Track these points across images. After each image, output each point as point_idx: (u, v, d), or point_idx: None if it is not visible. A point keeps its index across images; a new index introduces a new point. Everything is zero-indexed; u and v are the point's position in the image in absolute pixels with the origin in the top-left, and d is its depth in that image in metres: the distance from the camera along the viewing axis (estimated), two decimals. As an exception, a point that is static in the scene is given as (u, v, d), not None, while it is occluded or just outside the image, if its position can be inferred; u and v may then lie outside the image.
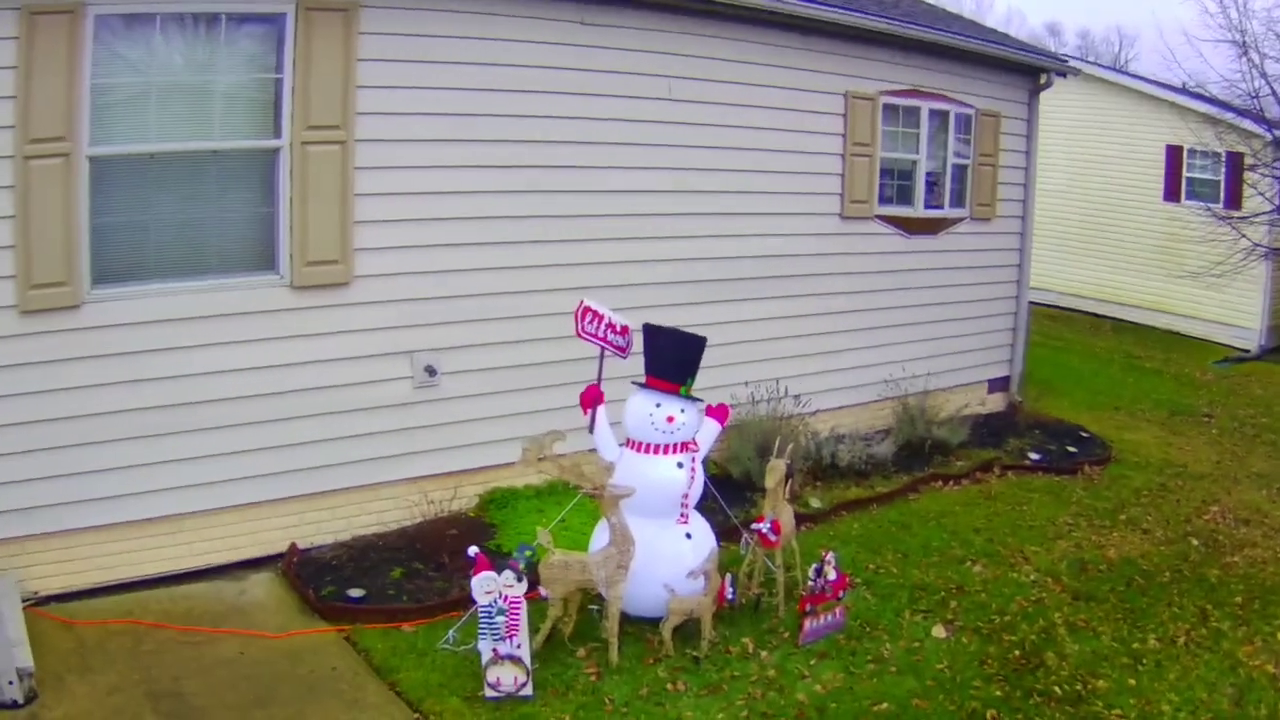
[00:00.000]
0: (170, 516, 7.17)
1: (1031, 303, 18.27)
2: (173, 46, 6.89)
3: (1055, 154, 17.78)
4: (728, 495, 7.59)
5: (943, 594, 7.53)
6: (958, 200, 11.29)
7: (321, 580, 7.19)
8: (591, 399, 6.83)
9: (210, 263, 7.17)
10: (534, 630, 6.34)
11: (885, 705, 6.07)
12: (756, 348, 9.62)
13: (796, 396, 9.40)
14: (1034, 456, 10.62)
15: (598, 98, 8.51)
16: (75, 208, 6.60)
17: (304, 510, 7.63)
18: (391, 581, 7.22)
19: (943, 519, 8.96)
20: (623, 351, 6.92)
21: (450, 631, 6.53)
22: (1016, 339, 12.13)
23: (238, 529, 7.40)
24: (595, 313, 6.84)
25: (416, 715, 5.88)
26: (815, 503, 8.94)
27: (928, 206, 10.96)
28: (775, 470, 7.03)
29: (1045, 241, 18.15)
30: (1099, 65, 18.65)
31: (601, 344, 6.87)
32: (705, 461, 7.16)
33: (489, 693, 5.98)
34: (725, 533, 7.51)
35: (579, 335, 6.85)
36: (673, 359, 6.78)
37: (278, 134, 7.20)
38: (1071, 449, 11.02)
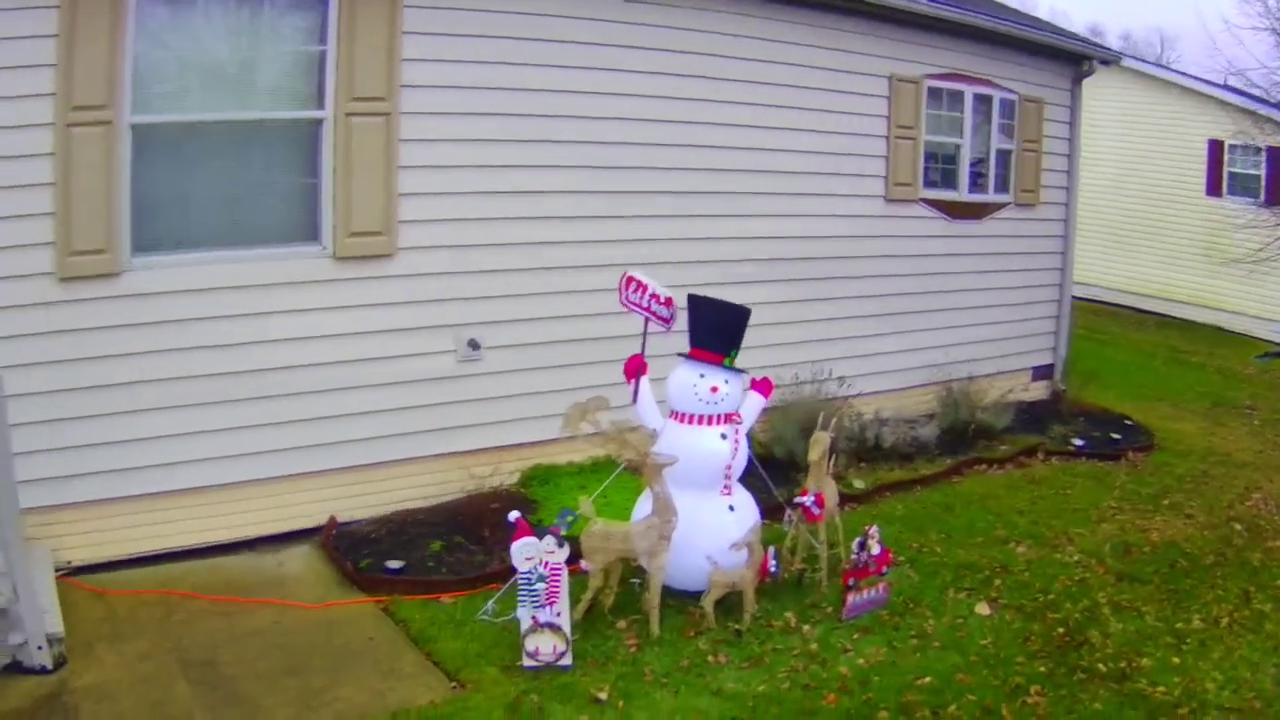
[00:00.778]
0: (207, 488, 6.83)
1: (1078, 298, 17.72)
2: (216, 16, 6.58)
3: (1103, 149, 17.24)
4: (771, 475, 7.18)
5: (986, 573, 7.11)
6: (1001, 186, 10.78)
7: (360, 553, 6.82)
8: (635, 368, 6.44)
9: (252, 233, 6.84)
10: (574, 601, 5.95)
11: (928, 679, 5.66)
12: (800, 329, 9.18)
13: (840, 379, 8.94)
14: (1078, 443, 10.12)
15: (643, 75, 8.12)
16: (116, 176, 6.29)
17: (343, 483, 7.26)
18: (431, 554, 6.83)
19: (986, 501, 8.51)
20: (667, 323, 6.52)
21: (489, 603, 6.14)
22: (1060, 327, 11.60)
23: (275, 501, 7.06)
24: (640, 283, 6.47)
25: (453, 684, 5.49)
26: (859, 483, 8.48)
27: (971, 191, 10.47)
28: (819, 443, 6.60)
29: (1092, 237, 17.59)
30: (1142, 60, 17.99)
31: (645, 314, 6.49)
32: (749, 436, 6.75)
33: (527, 662, 5.58)
34: (769, 511, 7.08)
35: (622, 304, 6.48)
36: (717, 330, 6.40)
37: (321, 105, 6.87)
38: (1115, 436, 10.51)
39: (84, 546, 6.50)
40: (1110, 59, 11.27)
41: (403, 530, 7.19)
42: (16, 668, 5.33)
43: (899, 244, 9.91)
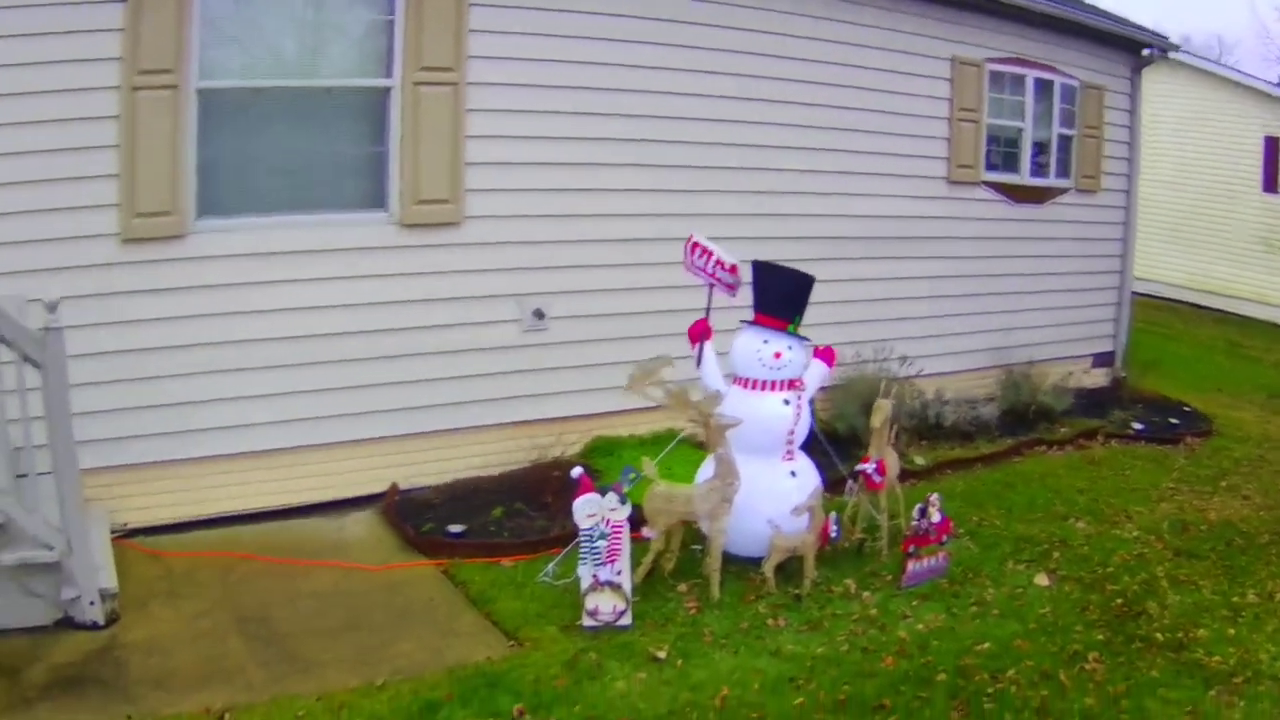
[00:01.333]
0: (267, 452, 6.64)
1: (1138, 294, 17.14)
2: (285, -17, 6.43)
3: (1161, 146, 16.67)
4: (834, 451, 6.87)
5: (1045, 546, 6.82)
6: (1063, 171, 10.36)
7: (421, 518, 6.61)
8: (699, 332, 6.17)
9: (317, 198, 6.66)
10: (635, 564, 5.70)
11: (987, 645, 5.42)
12: (863, 308, 8.87)
13: (903, 358, 8.59)
14: (1137, 426, 9.70)
15: (709, 51, 7.84)
16: (182, 140, 6.15)
17: (406, 450, 7.05)
18: (492, 520, 6.60)
19: (1046, 479, 8.19)
20: (731, 289, 6.25)
21: (550, 565, 5.91)
22: (1120, 314, 11.14)
23: (337, 467, 6.85)
24: (704, 248, 6.20)
25: (511, 643, 5.27)
26: (920, 460, 8.14)
27: (1033, 175, 10.06)
28: (880, 409, 6.30)
29: (1153, 233, 17.01)
30: (1200, 57, 17.35)
31: (709, 279, 6.21)
32: (812, 405, 6.45)
33: (587, 621, 5.33)
34: (831, 484, 6.76)
35: (686, 269, 6.22)
36: (782, 296, 6.15)
37: (389, 74, 6.68)
38: (1174, 421, 10.09)
39: (142, 509, 6.33)
40: (1168, 48, 10.79)
41: (464, 497, 6.96)
42: (69, 623, 5.18)
43: (961, 226, 9.54)
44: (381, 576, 6.00)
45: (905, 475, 7.79)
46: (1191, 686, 5.12)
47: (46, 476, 5.22)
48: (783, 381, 6.11)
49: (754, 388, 6.12)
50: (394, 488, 6.96)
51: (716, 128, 7.95)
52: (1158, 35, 10.66)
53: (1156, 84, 17.06)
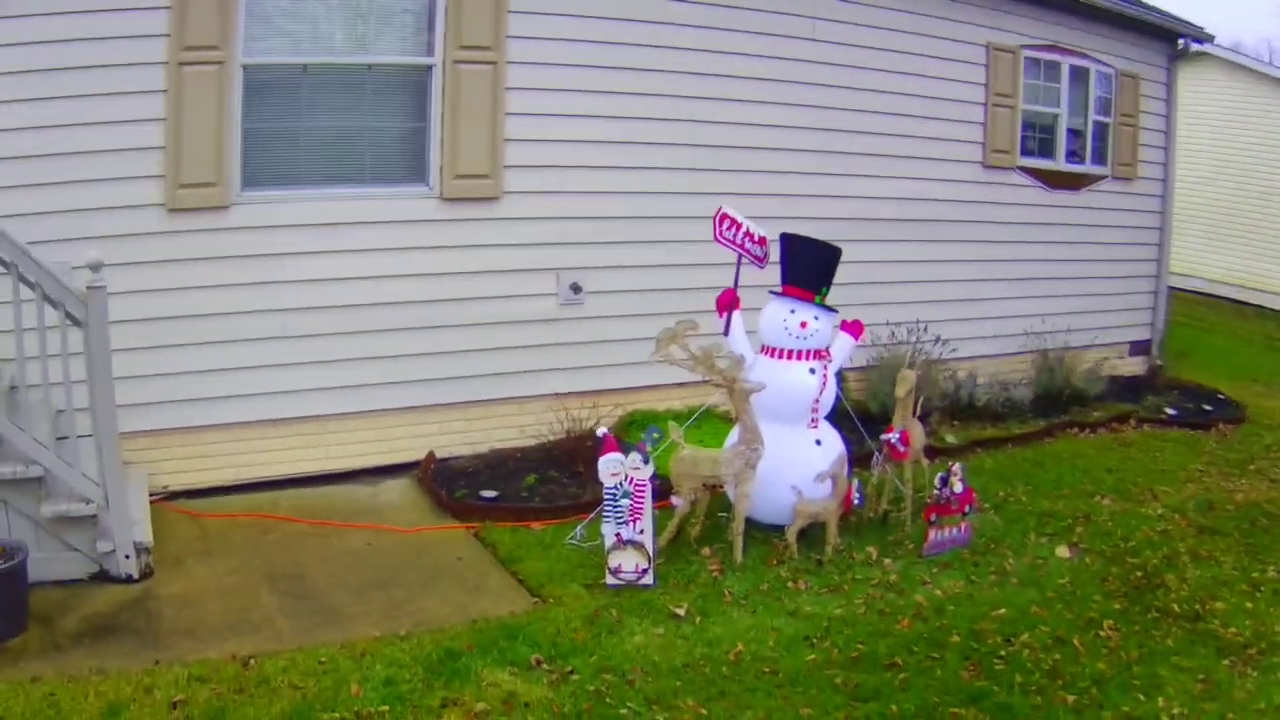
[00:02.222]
0: (308, 418, 6.56)
1: (1179, 289, 16.54)
2: (329, -39, 6.32)
3: (1200, 142, 16.06)
4: (866, 429, 6.64)
5: (1069, 521, 6.54)
6: (1099, 158, 9.94)
7: (455, 484, 6.48)
8: (728, 302, 5.95)
9: (359, 171, 6.56)
10: (661, 529, 5.53)
11: (1003, 611, 5.20)
12: (897, 289, 8.55)
13: (937, 338, 8.27)
14: (1170, 412, 9.29)
15: (742, 34, 7.60)
16: (227, 113, 6.09)
17: (443, 420, 6.92)
18: (525, 486, 6.45)
19: (1075, 460, 7.87)
20: (760, 261, 6.03)
21: (578, 527, 5.74)
22: (1158, 302, 10.68)
23: (375, 434, 6.75)
24: (733, 220, 5.99)
25: (535, 599, 5.12)
26: (951, 439, 7.82)
27: (1069, 161, 9.67)
28: (905, 379, 6.02)
29: (1193, 228, 16.40)
30: (1240, 54, 16.67)
31: (739, 250, 6.00)
32: (839, 377, 6.19)
33: (610, 580, 5.15)
34: (860, 459, 6.55)
35: (716, 240, 5.99)
36: (809, 268, 5.92)
37: (430, 53, 6.57)
38: (1207, 408, 9.65)
39: (183, 472, 6.28)
40: (1203, 38, 10.31)
41: (499, 465, 6.82)
42: (104, 576, 5.13)
43: (997, 210, 9.19)
44: (413, 538, 5.88)
45: (936, 452, 7.53)
46: (1205, 656, 4.93)
47: (87, 440, 5.15)
48: (809, 351, 5.87)
49: (781, 356, 5.89)
50: (431, 455, 6.82)
51: (752, 109, 7.71)
52: (1193, 26, 10.20)
53: (1194, 79, 16.42)
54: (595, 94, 7.07)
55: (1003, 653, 4.77)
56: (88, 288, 4.96)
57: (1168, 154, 10.49)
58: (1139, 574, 5.78)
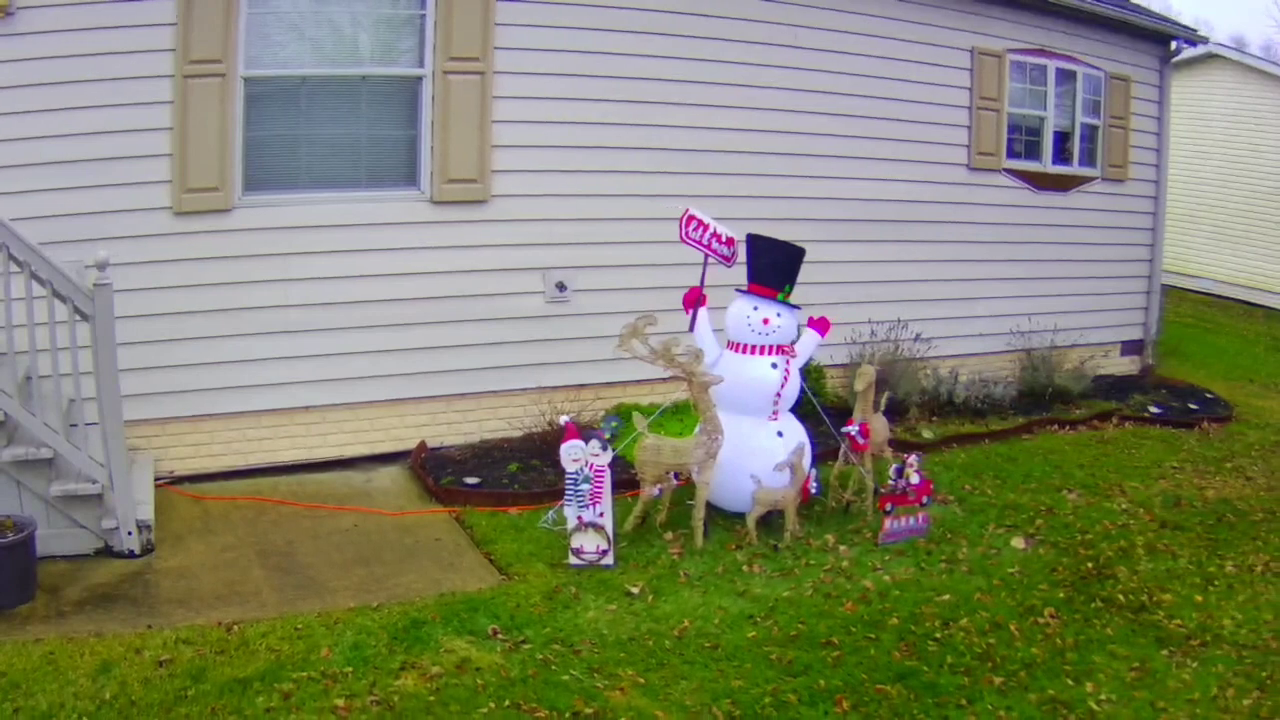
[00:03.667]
0: (306, 409, 7.01)
1: (1189, 290, 16.68)
2: (325, -22, 6.76)
3: (1212, 143, 16.13)
4: (842, 423, 6.89)
5: (1032, 514, 6.80)
6: (1088, 159, 10.18)
7: (443, 472, 6.89)
8: (693, 299, 6.33)
9: (354, 176, 7.01)
10: (628, 514, 5.93)
11: (947, 597, 5.51)
12: (881, 288, 8.87)
13: (917, 336, 8.56)
14: (1154, 410, 9.47)
15: (724, 42, 7.95)
16: (230, 122, 6.53)
17: (435, 411, 7.34)
18: (507, 474, 6.85)
19: (1050, 455, 8.10)
20: (727, 260, 6.39)
21: (550, 512, 6.12)
22: (1150, 303, 10.86)
23: (371, 425, 7.19)
24: (700, 221, 6.35)
25: (503, 577, 5.51)
26: (927, 434, 8.12)
27: (1056, 163, 9.92)
28: (863, 375, 6.36)
29: (1203, 230, 16.57)
30: (1249, 54, 16.67)
31: (705, 250, 6.36)
32: (804, 371, 6.52)
33: (573, 560, 5.54)
34: (831, 453, 6.91)
35: (682, 240, 6.37)
36: (773, 267, 6.27)
37: (421, 64, 7.00)
38: (1193, 406, 9.82)
39: (189, 458, 6.74)
40: (1196, 40, 10.52)
41: (487, 454, 7.23)
42: (108, 551, 5.58)
43: (983, 211, 9.47)
44: (398, 520, 6.30)
45: (912, 447, 7.79)
46: (1145, 645, 5.09)
47: (95, 427, 5.61)
48: (772, 346, 6.20)
49: (744, 351, 6.24)
50: (422, 445, 7.25)
51: (732, 114, 8.06)
52: (1185, 28, 10.38)
53: (1205, 80, 16.50)
54: (579, 101, 7.46)
55: (938, 636, 5.05)
56: (94, 285, 5.41)
57: (1161, 155, 10.68)
58: (1090, 565, 6.04)
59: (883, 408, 6.78)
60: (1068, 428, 8.87)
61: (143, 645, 4.55)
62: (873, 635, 5.02)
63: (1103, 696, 4.61)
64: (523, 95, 7.25)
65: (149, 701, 4.10)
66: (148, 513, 5.75)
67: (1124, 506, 7.05)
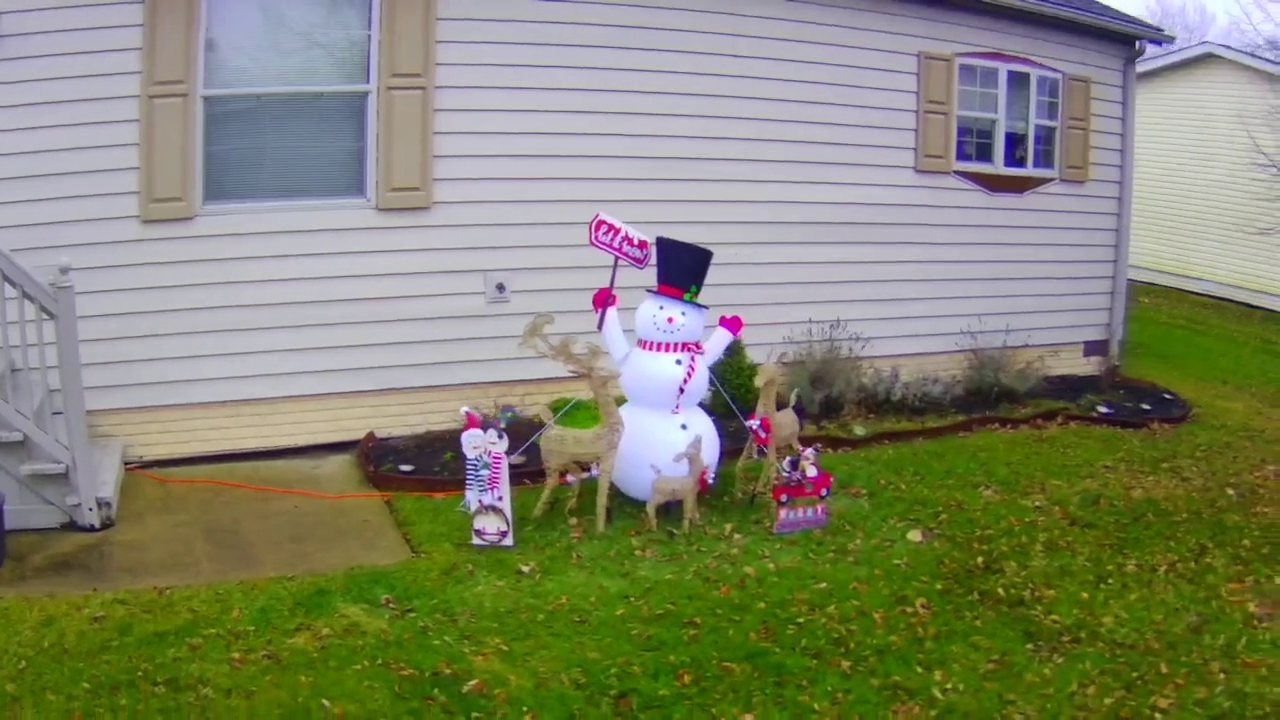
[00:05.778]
0: (265, 400, 7.91)
1: (1189, 292, 17.02)
2: (278, 4, 7.63)
3: (1218, 144, 16.43)
4: (741, 414, 7.56)
5: (939, 509, 7.27)
6: (1044, 161, 10.73)
7: (385, 460, 7.75)
8: (602, 300, 7.07)
9: (306, 186, 7.88)
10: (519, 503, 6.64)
11: (824, 585, 5.99)
12: (823, 289, 9.53)
13: (857, 337, 9.22)
14: (1103, 410, 9.95)
15: (661, 53, 8.69)
16: (191, 138, 7.44)
17: (384, 404, 8.22)
18: (441, 463, 7.68)
19: (980, 453, 8.58)
20: (639, 263, 7.11)
21: (466, 496, 6.86)
22: (1115, 303, 11.35)
23: (323, 416, 8.08)
24: (610, 226, 7.06)
25: (413, 554, 6.32)
26: (859, 430, 8.76)
27: (1010, 165, 10.48)
28: (763, 372, 7.07)
29: (1208, 231, 16.88)
30: (1256, 56, 16.89)
31: (616, 254, 7.08)
32: (716, 367, 7.24)
33: (475, 540, 6.32)
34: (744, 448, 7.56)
35: (592, 244, 7.08)
36: (680, 268, 6.96)
37: (367, 80, 7.84)
38: (1146, 407, 10.25)
39: (156, 444, 7.67)
40: (1161, 39, 10.96)
41: (429, 445, 8.07)
42: (72, 526, 6.50)
43: (932, 213, 10.06)
44: (336, 504, 7.16)
45: (841, 443, 8.48)
46: (1011, 639, 5.40)
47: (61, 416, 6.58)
48: (678, 344, 6.91)
49: (651, 349, 6.96)
50: (370, 435, 8.12)
51: (673, 122, 8.81)
52: (1150, 27, 10.81)
53: (1206, 81, 16.81)
54: (518, 113, 8.27)
55: (800, 620, 5.51)
56: (57, 286, 6.34)
57: (1125, 156, 11.17)
58: (980, 560, 6.39)
59: (792, 403, 7.47)
60: (1009, 427, 9.37)
61: (85, 604, 5.42)
62: (737, 618, 5.52)
63: (949, 686, 4.92)
64: (463, 108, 8.08)
65: (80, 650, 4.96)
66: (109, 491, 6.67)
67: (1038, 504, 7.44)
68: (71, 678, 4.70)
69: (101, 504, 6.55)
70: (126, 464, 7.48)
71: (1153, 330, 14.42)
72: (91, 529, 6.48)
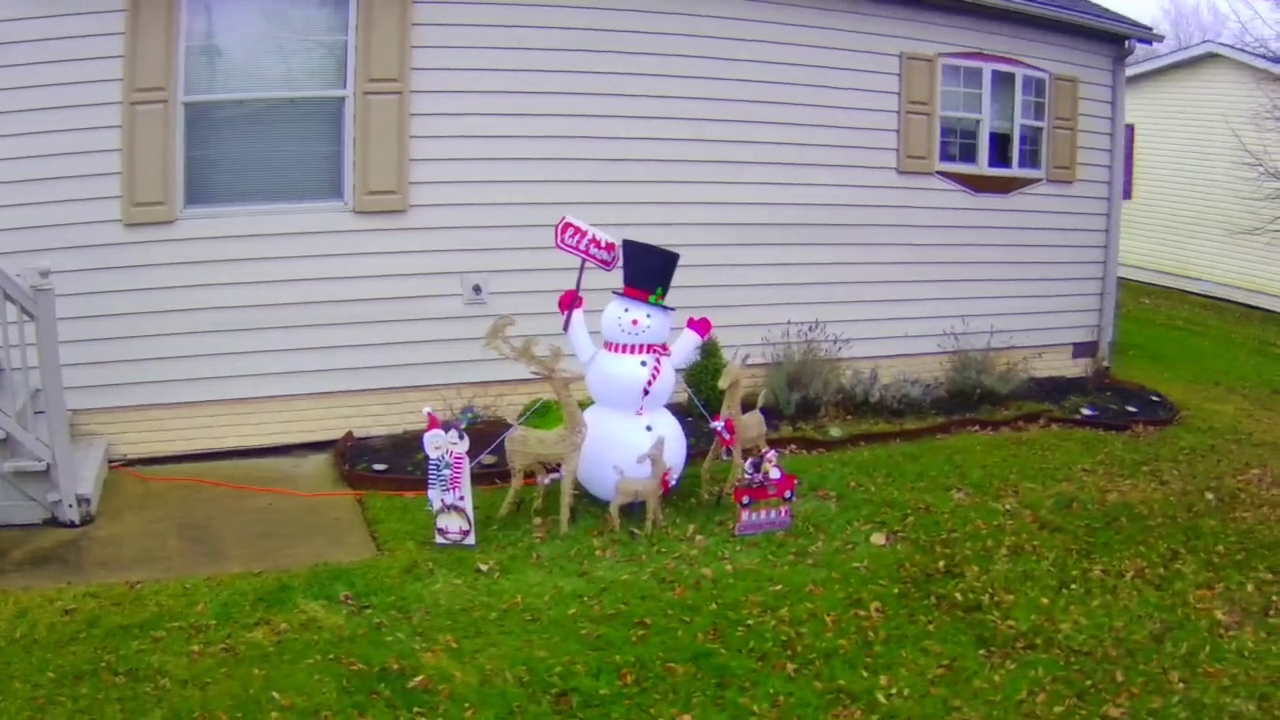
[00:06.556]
0: (245, 400, 8.18)
1: (1190, 293, 17.06)
2: (255, 13, 7.92)
3: (1216, 144, 16.45)
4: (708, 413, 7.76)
5: (907, 512, 7.35)
6: (1030, 161, 10.85)
7: (361, 460, 8.00)
8: (568, 302, 7.27)
9: (285, 190, 8.15)
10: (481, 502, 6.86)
11: (779, 587, 6.11)
12: (802, 290, 9.69)
13: (836, 338, 9.39)
14: (1086, 412, 10.01)
15: (637, 55, 8.88)
16: (172, 143, 7.73)
17: (363, 404, 8.48)
18: (415, 462, 7.88)
19: (956, 455, 8.65)
20: (607, 265, 7.29)
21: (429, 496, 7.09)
22: (1104, 304, 11.43)
23: (303, 416, 8.35)
24: (577, 228, 7.23)
25: (378, 552, 6.56)
26: (835, 432, 8.92)
27: (995, 165, 10.60)
28: (727, 374, 7.26)
29: (1210, 232, 16.91)
30: (1262, 57, 16.87)
31: (583, 255, 7.25)
32: (692, 368, 7.44)
33: (438, 539, 6.56)
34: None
35: (558, 247, 7.25)
36: (646, 271, 7.13)
37: (344, 85, 8.10)
38: (1131, 410, 10.29)
39: (140, 443, 7.96)
40: (1151, 39, 11.03)
41: (405, 445, 8.27)
42: (53, 522, 6.79)
43: (915, 214, 10.20)
44: (310, 501, 7.43)
45: (816, 445, 8.63)
46: (963, 644, 5.44)
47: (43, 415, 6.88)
48: (643, 345, 7.10)
49: (617, 350, 7.14)
50: (349, 434, 8.39)
51: (651, 124, 9.02)
52: (1139, 26, 10.87)
53: (1207, 81, 16.82)
54: (493, 116, 8.50)
55: (750, 622, 5.61)
56: (36, 289, 6.62)
57: (1114, 156, 11.26)
58: (942, 564, 6.44)
59: (759, 405, 7.66)
60: (989, 429, 9.44)
61: (58, 597, 5.71)
62: (687, 619, 5.63)
63: (894, 690, 4.97)
64: (439, 112, 8.32)
65: (49, 640, 5.25)
66: (88, 489, 6.96)
67: (1009, 507, 7.47)
68: (39, 667, 4.99)
69: (81, 500, 6.84)
70: (110, 462, 7.79)
71: (1149, 331, 14.47)
72: (71, 525, 6.77)
